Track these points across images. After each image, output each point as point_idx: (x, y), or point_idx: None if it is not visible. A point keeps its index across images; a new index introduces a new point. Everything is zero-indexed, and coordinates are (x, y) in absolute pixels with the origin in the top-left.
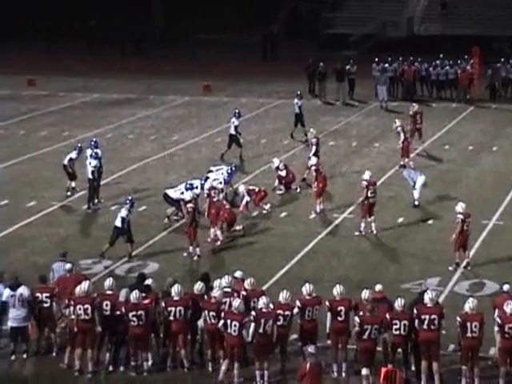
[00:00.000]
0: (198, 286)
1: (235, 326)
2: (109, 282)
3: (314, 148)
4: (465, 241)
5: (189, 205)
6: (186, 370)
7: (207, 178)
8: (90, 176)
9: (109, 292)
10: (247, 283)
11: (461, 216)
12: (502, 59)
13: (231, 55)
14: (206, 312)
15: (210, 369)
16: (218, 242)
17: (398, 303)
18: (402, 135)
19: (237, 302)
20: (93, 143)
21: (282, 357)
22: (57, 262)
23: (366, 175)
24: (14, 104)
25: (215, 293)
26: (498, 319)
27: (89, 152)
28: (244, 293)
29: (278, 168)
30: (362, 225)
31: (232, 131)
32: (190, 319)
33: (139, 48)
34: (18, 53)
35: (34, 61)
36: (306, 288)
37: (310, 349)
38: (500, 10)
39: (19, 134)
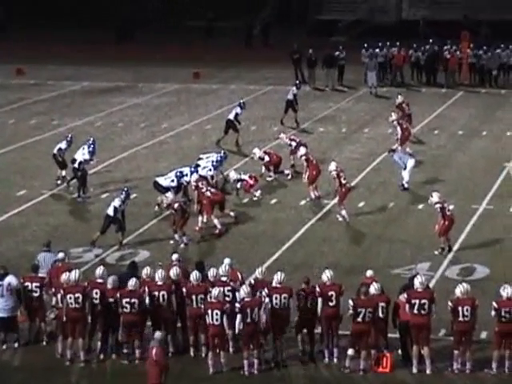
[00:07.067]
0: (194, 276)
1: (217, 314)
2: (99, 270)
3: (293, 144)
4: (450, 225)
5: (175, 205)
6: (171, 354)
7: (197, 165)
8: (76, 166)
9: (99, 280)
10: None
11: (438, 205)
12: (502, 45)
13: (221, 42)
14: (194, 296)
15: (192, 354)
16: (217, 231)
17: (375, 287)
18: (398, 129)
19: (216, 291)
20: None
21: (276, 344)
22: (42, 253)
23: (332, 166)
24: (3, 93)
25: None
26: (494, 303)
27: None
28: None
29: (260, 158)
30: (343, 212)
31: (231, 117)
32: (177, 305)
33: (132, 35)
34: (6, 41)
35: (22, 49)
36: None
37: (156, 335)
38: None
39: (8, 123)
